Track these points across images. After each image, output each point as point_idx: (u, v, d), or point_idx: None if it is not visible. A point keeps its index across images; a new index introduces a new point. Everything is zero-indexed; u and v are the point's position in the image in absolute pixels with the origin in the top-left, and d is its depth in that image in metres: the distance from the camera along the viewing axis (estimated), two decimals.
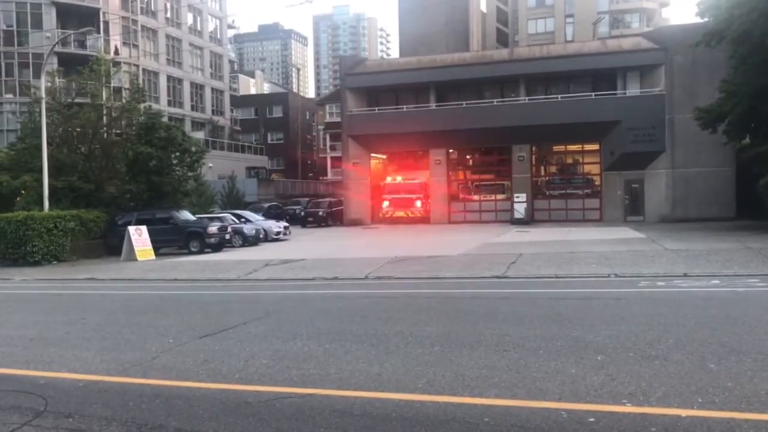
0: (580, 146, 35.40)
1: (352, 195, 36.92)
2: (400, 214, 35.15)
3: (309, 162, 67.59)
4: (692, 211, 31.11)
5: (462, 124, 33.85)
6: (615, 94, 33.43)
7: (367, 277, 14.13)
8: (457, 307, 9.51)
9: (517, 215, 32.97)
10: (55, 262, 21.32)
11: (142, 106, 27.17)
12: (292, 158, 64.05)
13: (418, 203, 35.19)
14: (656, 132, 31.37)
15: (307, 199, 44.90)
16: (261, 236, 26.71)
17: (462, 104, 34.86)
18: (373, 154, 38.38)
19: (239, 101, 65.79)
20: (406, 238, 25.76)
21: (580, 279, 12.49)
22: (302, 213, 39.01)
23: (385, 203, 35.28)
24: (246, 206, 38.42)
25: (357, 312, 9.29)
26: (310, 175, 66.18)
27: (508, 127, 33.00)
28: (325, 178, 61.26)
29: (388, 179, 36.39)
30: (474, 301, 10.15)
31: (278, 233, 28.28)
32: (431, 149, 35.99)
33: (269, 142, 66.40)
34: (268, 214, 35.88)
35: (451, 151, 37.14)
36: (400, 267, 15.41)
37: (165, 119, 30.12)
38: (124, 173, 25.89)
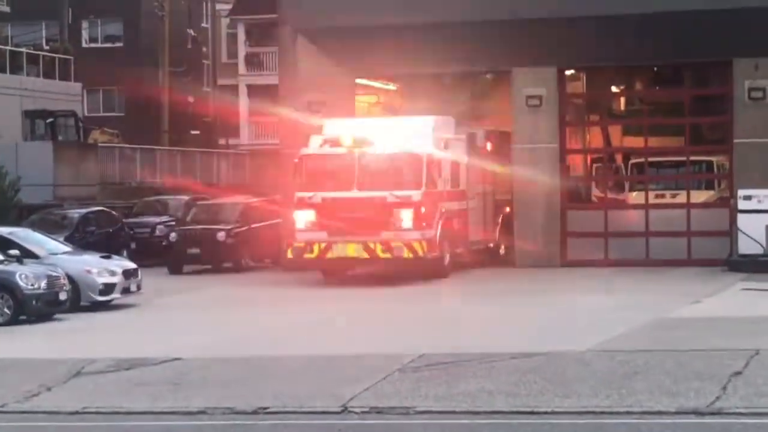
0: None
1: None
2: (349, 251, 34.20)
3: (192, 101, 68.73)
4: None
5: (597, 5, 34.74)
6: None
7: (346, 408, 15.16)
8: None
9: (744, 247, 33.89)
10: None
11: None
12: (147, 91, 64.79)
13: (407, 218, 34.06)
14: None
15: (185, 197, 46.21)
16: (63, 296, 27.48)
17: None
18: (360, 81, 39.43)
19: None
20: (449, 305, 26.88)
21: None
22: (171, 236, 40.38)
23: (301, 218, 34.78)
24: (24, 216, 39.13)
25: None
26: (195, 134, 67.78)
27: (723, 12, 33.79)
28: (233, 143, 63.27)
29: (315, 141, 35.55)
30: None
31: (108, 288, 29.47)
32: (515, 68, 37.22)
33: (88, 46, 68.00)
34: (82, 238, 36.82)
35: (569, 73, 38.35)
36: (434, 381, 16.53)
37: None
38: None
